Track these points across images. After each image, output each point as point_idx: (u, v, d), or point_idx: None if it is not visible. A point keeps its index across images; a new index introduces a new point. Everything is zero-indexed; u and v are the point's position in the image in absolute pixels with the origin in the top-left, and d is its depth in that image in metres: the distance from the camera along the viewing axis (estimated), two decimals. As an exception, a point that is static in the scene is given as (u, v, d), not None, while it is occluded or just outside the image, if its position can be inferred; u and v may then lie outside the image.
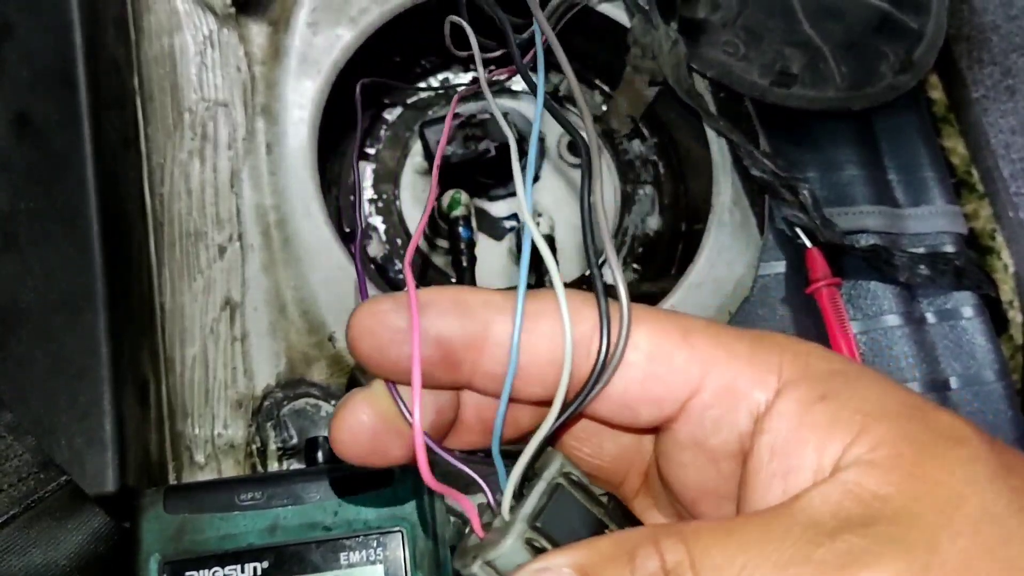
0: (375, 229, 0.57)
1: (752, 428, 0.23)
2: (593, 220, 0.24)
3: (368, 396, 0.24)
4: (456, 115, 0.57)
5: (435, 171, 0.38)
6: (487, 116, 0.58)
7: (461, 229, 0.53)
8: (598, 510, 0.24)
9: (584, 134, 0.26)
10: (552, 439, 0.25)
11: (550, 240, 0.56)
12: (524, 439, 0.24)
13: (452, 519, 0.45)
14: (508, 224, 0.58)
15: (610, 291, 0.24)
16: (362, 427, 0.24)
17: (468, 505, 0.24)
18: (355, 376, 0.47)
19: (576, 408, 0.24)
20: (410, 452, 0.24)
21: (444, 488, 0.23)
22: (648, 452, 0.27)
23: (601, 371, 0.23)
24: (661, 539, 0.21)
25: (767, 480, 0.22)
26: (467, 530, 0.24)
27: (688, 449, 0.25)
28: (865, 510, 0.20)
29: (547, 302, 0.24)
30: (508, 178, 0.58)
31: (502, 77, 0.60)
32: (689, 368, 0.24)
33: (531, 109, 0.60)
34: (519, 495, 0.24)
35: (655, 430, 0.26)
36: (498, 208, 0.58)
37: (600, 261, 0.24)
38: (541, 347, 0.24)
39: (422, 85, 0.61)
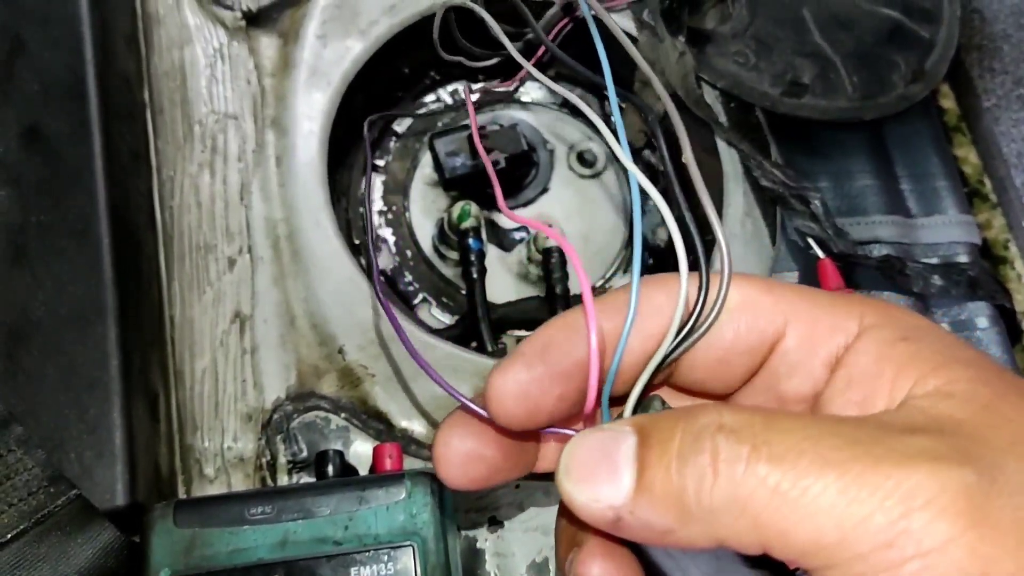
0: (384, 241, 0.57)
1: (826, 375, 0.24)
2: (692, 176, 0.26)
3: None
4: (465, 127, 0.57)
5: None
6: (496, 127, 0.58)
7: (471, 241, 0.53)
8: None
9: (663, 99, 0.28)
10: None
11: (558, 252, 0.55)
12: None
13: (463, 533, 0.45)
14: (518, 235, 0.57)
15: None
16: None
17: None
18: None
19: (700, 335, 0.25)
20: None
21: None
22: None
23: (700, 311, 0.24)
24: (723, 405, 0.22)
25: (841, 408, 0.23)
26: None
27: (761, 394, 0.25)
28: (938, 425, 0.21)
29: (647, 286, 0.25)
30: (518, 189, 0.58)
31: (510, 88, 0.60)
32: (774, 314, 0.24)
33: (539, 119, 0.60)
34: None
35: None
36: (507, 219, 0.58)
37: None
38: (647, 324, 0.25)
39: (431, 97, 0.61)
